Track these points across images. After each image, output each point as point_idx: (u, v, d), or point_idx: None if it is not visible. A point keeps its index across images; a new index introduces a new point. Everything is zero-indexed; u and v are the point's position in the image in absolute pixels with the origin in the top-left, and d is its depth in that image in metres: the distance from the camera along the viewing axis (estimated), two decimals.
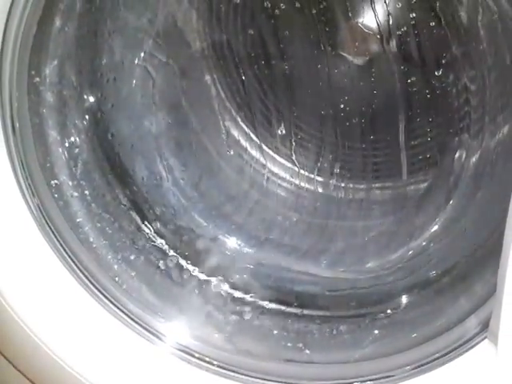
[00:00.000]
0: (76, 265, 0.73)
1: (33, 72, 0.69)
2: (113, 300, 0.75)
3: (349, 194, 0.89)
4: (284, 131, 0.89)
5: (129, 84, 0.81)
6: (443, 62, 0.76)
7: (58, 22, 0.68)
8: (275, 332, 0.78)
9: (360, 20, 0.77)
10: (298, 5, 0.77)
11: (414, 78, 0.78)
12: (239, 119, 0.90)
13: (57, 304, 0.72)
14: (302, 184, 0.91)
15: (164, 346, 0.74)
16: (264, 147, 0.91)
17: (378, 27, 0.77)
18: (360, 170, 0.89)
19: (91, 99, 0.78)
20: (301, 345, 0.76)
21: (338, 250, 0.87)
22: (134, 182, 0.83)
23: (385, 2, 0.75)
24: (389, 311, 0.77)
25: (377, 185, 0.88)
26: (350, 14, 0.77)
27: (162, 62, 0.82)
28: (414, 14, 0.75)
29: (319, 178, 0.90)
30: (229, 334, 0.77)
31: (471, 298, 0.67)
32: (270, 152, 0.91)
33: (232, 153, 0.90)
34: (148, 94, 0.83)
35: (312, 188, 0.90)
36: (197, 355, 0.74)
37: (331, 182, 0.89)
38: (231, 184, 0.89)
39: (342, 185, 0.89)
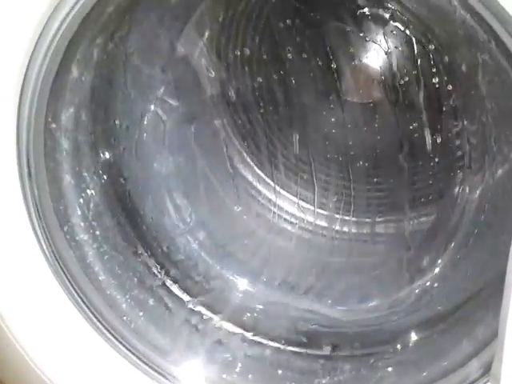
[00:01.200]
0: (86, 304, 0.74)
1: (50, 119, 0.70)
2: (121, 340, 0.75)
3: (353, 229, 0.91)
4: (290, 173, 0.91)
5: (141, 128, 0.83)
6: (444, 109, 0.78)
7: (74, 72, 0.70)
8: (280, 372, 0.79)
9: (364, 70, 0.80)
10: (304, 55, 0.80)
11: (415, 124, 0.80)
12: (247, 161, 0.92)
13: (65, 342, 0.73)
14: (309, 221, 0.92)
15: None
16: (271, 187, 0.93)
17: (382, 76, 0.79)
18: (364, 208, 0.90)
19: (104, 144, 0.80)
20: None
21: (342, 288, 0.87)
22: (144, 222, 0.84)
23: (388, 54, 0.78)
24: (392, 350, 0.78)
25: (381, 219, 0.89)
26: (355, 64, 0.79)
27: (172, 106, 0.84)
28: (416, 67, 0.77)
29: (323, 212, 0.91)
30: (236, 374, 0.78)
31: (473, 341, 0.68)
32: (278, 190, 0.92)
33: (239, 192, 0.91)
34: (159, 137, 0.85)
35: (319, 225, 0.92)
36: None
37: (336, 216, 0.90)
38: (239, 223, 0.91)
39: (347, 219, 0.90)
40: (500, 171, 0.75)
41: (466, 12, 0.57)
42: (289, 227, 0.93)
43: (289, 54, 0.81)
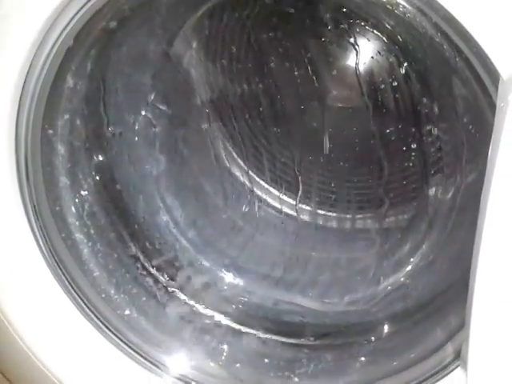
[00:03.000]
0: (81, 298, 0.77)
1: (46, 125, 0.73)
2: (114, 331, 0.78)
3: (334, 225, 0.93)
4: (276, 172, 0.93)
5: (132, 133, 0.86)
6: (418, 117, 0.80)
7: (70, 81, 0.73)
8: (266, 361, 0.82)
9: (343, 76, 0.82)
10: (287, 63, 0.82)
11: (392, 129, 0.83)
12: (235, 162, 0.94)
13: (62, 334, 0.76)
14: (294, 217, 0.94)
15: (164, 376, 0.78)
16: (258, 185, 0.95)
17: (359, 83, 0.81)
18: (345, 205, 0.92)
19: (98, 148, 0.82)
20: (289, 373, 0.80)
21: (324, 282, 0.90)
22: (136, 221, 0.87)
23: (365, 62, 0.80)
24: (373, 339, 0.80)
25: (360, 216, 0.91)
26: (334, 71, 0.82)
27: (162, 111, 0.86)
28: (392, 74, 0.79)
29: (307, 208, 0.93)
30: (223, 362, 0.80)
31: (446, 328, 0.71)
32: (265, 188, 0.95)
33: (227, 191, 0.93)
34: (149, 141, 0.87)
35: (303, 220, 0.94)
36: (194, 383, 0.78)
37: (319, 212, 0.93)
38: (227, 221, 0.93)
39: (329, 215, 0.93)
40: (471, 177, 0.78)
41: (434, 30, 0.61)
42: (275, 222, 0.95)
43: (272, 63, 0.83)
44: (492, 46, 0.54)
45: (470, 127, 0.74)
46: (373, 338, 0.81)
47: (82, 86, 0.75)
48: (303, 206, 0.94)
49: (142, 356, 0.78)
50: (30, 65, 0.66)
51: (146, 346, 0.79)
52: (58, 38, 0.66)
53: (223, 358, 0.81)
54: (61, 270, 0.76)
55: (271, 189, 0.95)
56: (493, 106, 0.56)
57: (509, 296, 0.57)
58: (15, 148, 0.71)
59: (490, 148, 0.55)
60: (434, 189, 0.84)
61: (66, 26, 0.65)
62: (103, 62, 0.77)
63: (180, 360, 0.80)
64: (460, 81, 0.66)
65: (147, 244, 0.87)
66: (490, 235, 0.55)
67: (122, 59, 0.79)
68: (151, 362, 0.78)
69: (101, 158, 0.83)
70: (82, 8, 0.65)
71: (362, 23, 0.76)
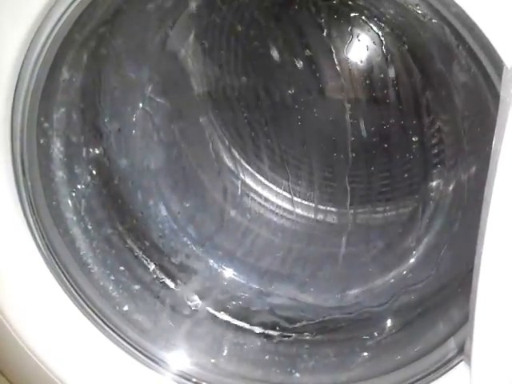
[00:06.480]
0: (79, 294, 0.77)
1: (42, 118, 0.72)
2: (113, 327, 0.78)
3: (334, 220, 0.93)
4: (275, 167, 0.93)
5: (129, 126, 0.85)
6: (419, 108, 0.80)
7: (65, 74, 0.72)
8: (267, 357, 0.82)
9: (342, 68, 0.81)
10: (286, 55, 0.81)
11: (392, 120, 0.83)
12: (233, 156, 0.93)
13: (60, 330, 0.76)
14: (293, 212, 0.94)
15: (164, 373, 0.77)
16: (257, 180, 0.95)
17: (359, 75, 0.81)
18: (345, 200, 0.91)
19: (94, 142, 0.81)
20: (291, 368, 0.80)
21: (324, 277, 0.90)
22: (134, 216, 0.86)
23: (364, 53, 0.80)
24: (375, 334, 0.80)
25: (361, 210, 0.91)
26: (333, 63, 0.81)
27: (160, 104, 0.86)
28: (393, 65, 0.79)
29: (307, 203, 0.93)
30: (223, 358, 0.80)
31: (449, 323, 0.71)
32: (264, 183, 0.94)
33: (225, 186, 0.93)
34: (147, 134, 0.87)
35: (302, 215, 0.94)
36: (194, 380, 0.78)
37: (320, 207, 0.92)
38: (226, 216, 0.93)
39: (329, 209, 0.92)
40: (472, 169, 0.77)
41: (435, 19, 0.60)
42: (274, 218, 0.94)
43: (271, 54, 0.82)
44: (496, 33, 0.53)
45: (472, 118, 0.74)
46: (376, 333, 0.80)
47: (78, 78, 0.75)
48: (302, 201, 0.94)
49: (141, 353, 0.77)
50: (25, 56, 0.66)
51: (146, 342, 0.79)
52: (52, 30, 0.65)
53: (224, 354, 0.81)
54: (58, 265, 0.76)
55: (270, 183, 0.95)
56: (496, 97, 0.55)
57: None
58: (11, 142, 0.70)
59: (494, 139, 0.54)
60: (435, 182, 0.84)
61: (60, 17, 0.64)
62: (99, 54, 0.76)
63: (180, 356, 0.80)
64: (462, 70, 0.65)
65: (145, 239, 0.87)
66: (494, 229, 0.55)
67: (119, 51, 0.79)
68: (151, 359, 0.78)
69: (97, 152, 0.82)
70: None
71: (362, 12, 0.75)
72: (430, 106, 0.79)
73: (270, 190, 0.95)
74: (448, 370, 0.68)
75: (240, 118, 0.89)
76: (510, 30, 0.53)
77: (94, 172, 0.82)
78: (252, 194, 0.94)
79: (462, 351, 0.65)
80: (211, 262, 0.90)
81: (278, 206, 0.95)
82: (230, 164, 0.93)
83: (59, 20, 0.64)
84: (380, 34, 0.77)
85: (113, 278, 0.81)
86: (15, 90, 0.67)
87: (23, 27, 0.64)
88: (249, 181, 0.95)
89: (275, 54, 0.82)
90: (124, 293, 0.81)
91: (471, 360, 0.60)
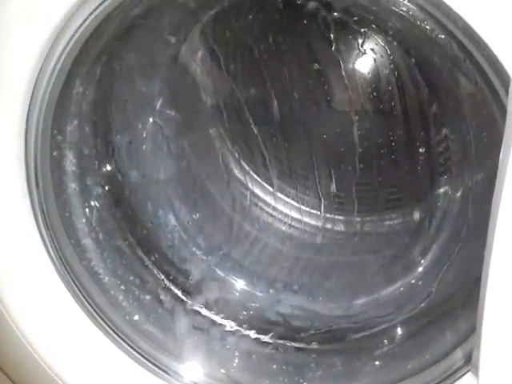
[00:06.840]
0: (90, 304, 0.78)
1: (55, 131, 0.73)
2: (124, 338, 0.78)
3: (342, 228, 0.93)
4: (283, 177, 0.93)
5: (140, 138, 0.86)
6: (426, 119, 0.81)
7: (79, 87, 0.73)
8: (274, 366, 0.82)
9: (350, 80, 0.82)
10: (295, 69, 0.83)
11: (399, 131, 0.83)
12: (242, 167, 0.94)
13: (72, 340, 0.76)
14: (301, 221, 0.94)
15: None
16: (266, 190, 0.95)
17: (366, 86, 0.82)
18: (352, 208, 0.92)
19: (106, 154, 0.82)
20: (298, 378, 0.80)
21: (331, 286, 0.90)
22: (144, 227, 0.87)
23: (371, 65, 0.81)
24: (382, 344, 0.80)
25: (368, 219, 0.91)
26: (341, 76, 0.82)
27: (170, 116, 0.86)
28: (400, 78, 0.80)
29: (315, 212, 0.93)
30: (234, 369, 0.81)
31: (456, 333, 0.71)
32: (272, 192, 0.95)
33: (235, 197, 0.94)
34: (157, 146, 0.87)
35: (310, 224, 0.94)
36: None
37: (328, 216, 0.93)
38: (235, 226, 0.93)
39: (337, 218, 0.93)
40: (479, 176, 0.78)
41: (442, 32, 0.61)
42: (282, 227, 0.95)
43: (280, 68, 0.83)
44: (502, 48, 0.54)
45: (479, 129, 0.74)
46: (382, 343, 0.81)
47: (91, 91, 0.76)
48: (310, 210, 0.94)
49: (153, 364, 0.78)
50: (40, 70, 0.67)
51: (158, 353, 0.79)
52: (67, 44, 0.66)
53: (234, 364, 0.81)
54: (70, 275, 0.77)
55: (278, 193, 0.95)
56: (502, 108, 0.56)
57: None
58: (25, 153, 0.71)
59: (502, 151, 0.55)
60: (442, 190, 0.84)
61: (74, 33, 0.65)
62: (112, 68, 0.77)
63: (193, 367, 0.80)
64: (469, 83, 0.66)
65: (155, 249, 0.87)
66: (502, 239, 0.55)
67: (131, 66, 0.80)
68: (163, 370, 0.78)
69: (109, 164, 0.83)
70: (90, 14, 0.65)
71: (370, 27, 0.76)
72: (436, 118, 0.79)
73: (279, 199, 0.95)
74: (455, 381, 0.68)
75: (249, 130, 0.89)
76: None
77: (106, 184, 0.83)
78: (261, 204, 0.95)
79: (469, 361, 0.66)
80: (220, 272, 0.90)
81: (287, 215, 0.95)
82: (239, 175, 0.94)
83: (74, 35, 0.65)
84: (387, 47, 0.78)
85: (123, 287, 0.82)
86: (30, 104, 0.68)
87: (39, 42, 0.65)
88: (257, 191, 0.95)
89: (284, 67, 0.83)
90: (134, 302, 0.82)
91: (478, 370, 0.60)
